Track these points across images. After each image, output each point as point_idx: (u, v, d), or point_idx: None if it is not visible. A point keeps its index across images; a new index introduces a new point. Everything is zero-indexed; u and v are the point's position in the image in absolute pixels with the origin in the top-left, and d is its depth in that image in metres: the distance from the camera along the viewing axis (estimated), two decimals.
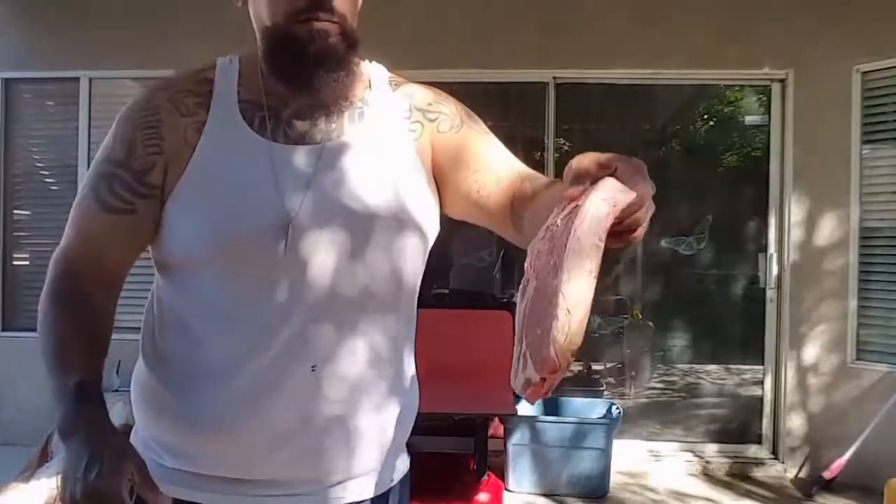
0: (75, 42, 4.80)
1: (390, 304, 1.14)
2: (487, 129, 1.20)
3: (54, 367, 1.02)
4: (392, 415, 1.16)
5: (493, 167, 1.12)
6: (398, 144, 1.15)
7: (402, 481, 1.24)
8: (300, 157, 1.11)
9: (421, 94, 1.21)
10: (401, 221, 1.12)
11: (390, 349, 1.15)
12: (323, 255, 1.08)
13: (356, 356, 1.10)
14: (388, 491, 1.20)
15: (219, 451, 1.10)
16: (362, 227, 1.09)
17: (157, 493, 0.94)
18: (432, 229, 1.18)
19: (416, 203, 1.13)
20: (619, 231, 0.78)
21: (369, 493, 1.16)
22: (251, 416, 1.07)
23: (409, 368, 1.22)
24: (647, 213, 0.79)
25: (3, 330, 4.92)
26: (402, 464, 1.25)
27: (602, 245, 0.77)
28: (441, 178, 1.17)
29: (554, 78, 4.71)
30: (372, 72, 1.21)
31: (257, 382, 1.07)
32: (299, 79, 1.10)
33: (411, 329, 1.21)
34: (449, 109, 1.19)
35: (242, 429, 1.08)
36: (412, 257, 1.15)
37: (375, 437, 1.14)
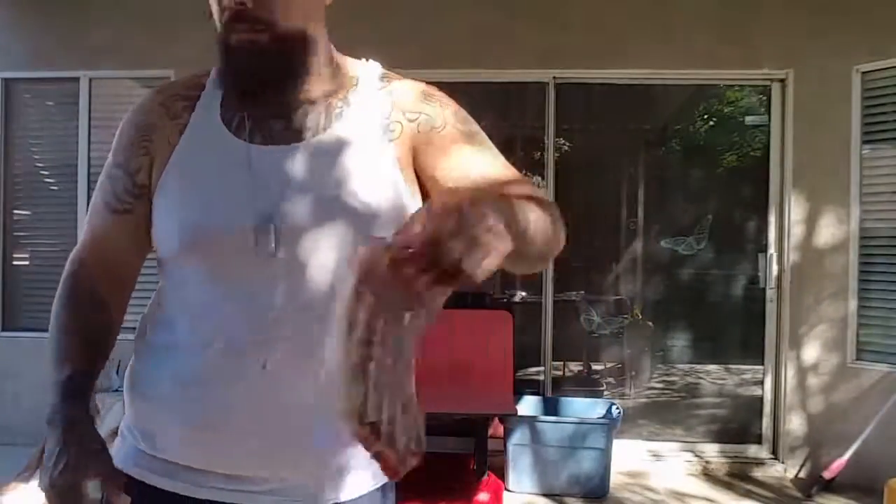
0: (75, 42, 4.79)
1: None
2: (478, 131, 1.16)
3: (52, 360, 1.07)
4: None
5: (471, 173, 1.09)
6: (375, 144, 1.13)
7: (382, 489, 1.20)
8: (275, 157, 1.11)
9: (406, 93, 1.17)
10: (385, 219, 1.10)
11: None
12: (300, 253, 1.08)
13: (324, 358, 1.08)
14: (362, 497, 1.17)
15: (179, 439, 1.11)
16: (337, 226, 1.09)
17: (119, 492, 0.97)
18: None
19: (392, 202, 1.11)
20: (440, 277, 0.71)
21: (337, 498, 1.14)
22: (204, 407, 1.09)
23: None
24: (445, 253, 0.70)
25: (3, 330, 4.87)
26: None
27: (356, 301, 0.72)
28: (422, 179, 1.15)
29: (554, 78, 4.71)
30: (362, 71, 1.20)
31: (210, 373, 1.08)
32: (245, 88, 1.12)
33: None
34: (433, 110, 1.15)
35: (196, 418, 1.09)
36: None
37: (347, 442, 1.09)
